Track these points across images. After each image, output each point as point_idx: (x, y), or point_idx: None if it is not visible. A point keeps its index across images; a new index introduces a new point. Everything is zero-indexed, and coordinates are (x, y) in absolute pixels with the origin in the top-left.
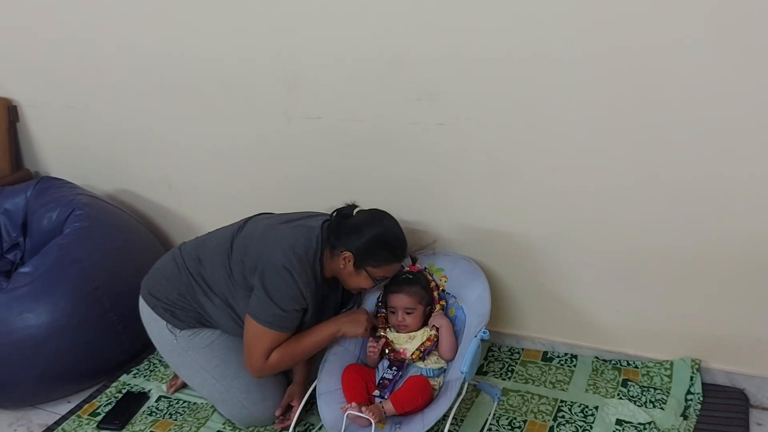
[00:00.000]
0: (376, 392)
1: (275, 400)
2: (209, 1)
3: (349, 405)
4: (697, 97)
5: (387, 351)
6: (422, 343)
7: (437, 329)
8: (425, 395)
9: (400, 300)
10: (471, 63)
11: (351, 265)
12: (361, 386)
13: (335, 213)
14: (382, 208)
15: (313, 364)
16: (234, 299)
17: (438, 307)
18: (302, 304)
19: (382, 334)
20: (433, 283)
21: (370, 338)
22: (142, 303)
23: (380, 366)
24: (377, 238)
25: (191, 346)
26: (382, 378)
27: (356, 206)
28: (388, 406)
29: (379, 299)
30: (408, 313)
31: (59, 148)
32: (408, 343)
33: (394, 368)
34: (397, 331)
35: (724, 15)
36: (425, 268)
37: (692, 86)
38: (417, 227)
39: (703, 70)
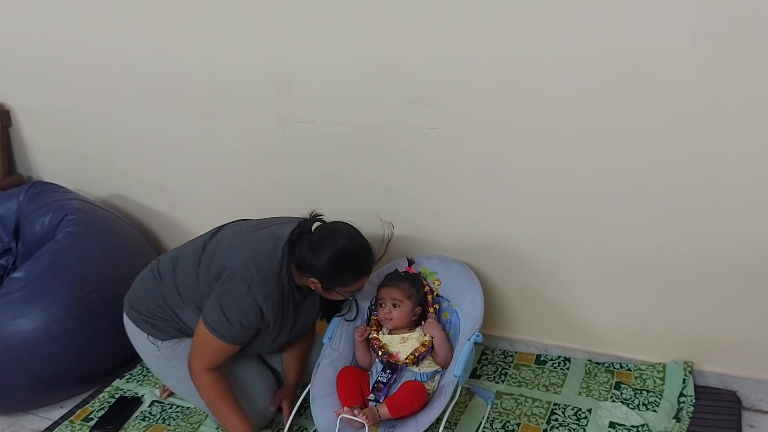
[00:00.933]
0: (371, 396)
1: (264, 405)
2: (202, 7)
3: (342, 409)
4: (688, 100)
5: (380, 353)
6: (416, 348)
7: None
8: (421, 401)
9: (389, 292)
10: (464, 67)
11: (320, 287)
12: (355, 389)
13: (296, 228)
14: (374, 212)
15: (304, 368)
16: (198, 305)
17: (431, 310)
18: (252, 321)
19: (375, 335)
20: (427, 288)
21: (358, 326)
22: (125, 317)
23: (373, 369)
24: (337, 262)
25: (174, 356)
26: (377, 381)
27: (317, 218)
28: (383, 410)
29: (372, 303)
30: (395, 306)
31: (52, 153)
32: (401, 345)
33: (388, 371)
34: (382, 324)
35: (716, 18)
36: (420, 272)
37: (684, 90)
38: (410, 231)
39: (695, 74)
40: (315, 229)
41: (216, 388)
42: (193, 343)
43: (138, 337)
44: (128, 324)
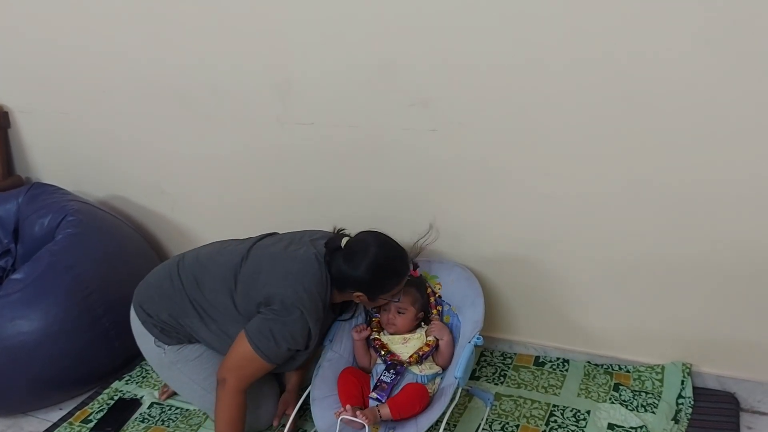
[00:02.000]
0: (374, 394)
1: (267, 407)
2: (202, 9)
3: (342, 409)
4: (688, 103)
5: (383, 353)
6: (420, 348)
7: (437, 338)
8: (423, 404)
9: None
10: (463, 69)
11: (365, 299)
12: (356, 389)
13: (325, 248)
14: (374, 213)
15: (306, 371)
16: (233, 329)
17: (434, 312)
18: (298, 345)
19: (377, 336)
20: (429, 290)
21: (355, 326)
22: (133, 314)
23: (374, 370)
24: (374, 273)
25: (180, 359)
26: (380, 381)
27: (342, 235)
28: (385, 411)
29: None
30: (400, 313)
31: (51, 154)
32: (402, 346)
33: (392, 371)
34: (383, 328)
35: (714, 22)
36: (419, 273)
37: (684, 92)
38: (410, 233)
39: (694, 77)
40: (344, 246)
41: (240, 412)
42: (231, 357)
43: (144, 338)
44: (135, 322)
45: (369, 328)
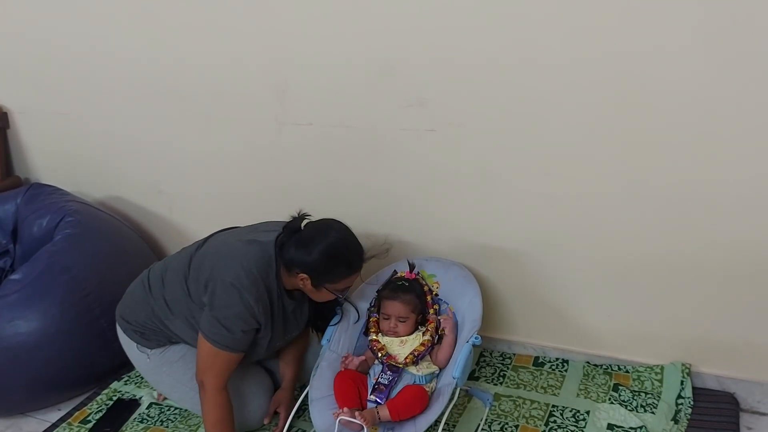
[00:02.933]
0: (372, 397)
1: (257, 404)
2: (200, 9)
3: (341, 410)
4: (686, 102)
5: (380, 355)
6: (415, 348)
7: (432, 336)
8: (422, 405)
9: (395, 308)
10: (461, 69)
11: (309, 284)
12: (353, 391)
13: (284, 230)
14: (372, 213)
15: (301, 368)
16: (194, 318)
17: (432, 311)
18: (250, 324)
19: (374, 338)
20: (426, 287)
21: (343, 356)
22: (117, 327)
23: (371, 372)
24: (327, 256)
25: (164, 362)
26: (378, 383)
27: (305, 217)
28: (384, 413)
29: (372, 304)
30: (401, 321)
31: (50, 155)
32: (399, 347)
33: (389, 372)
34: (384, 333)
35: (712, 21)
36: (418, 273)
37: (681, 92)
38: (408, 233)
39: (692, 76)
40: (304, 227)
41: (225, 411)
42: (199, 359)
43: (129, 347)
44: (119, 334)
45: (353, 359)
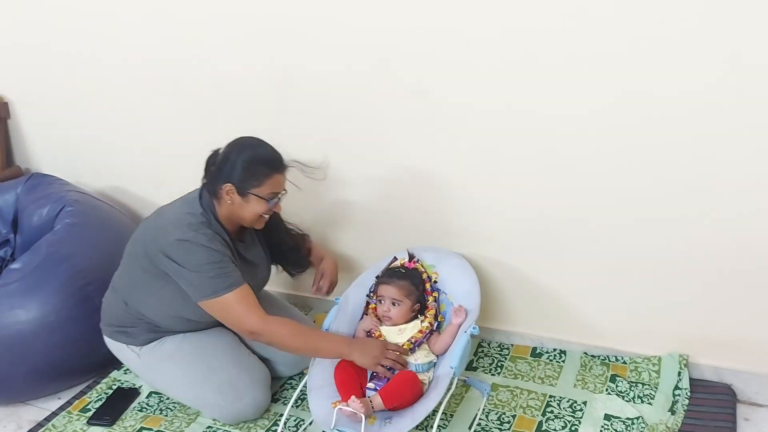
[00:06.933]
0: (371, 384)
1: (253, 396)
2: (202, 2)
3: (339, 400)
4: (686, 99)
5: None
6: (413, 335)
7: (431, 324)
8: (414, 390)
9: (389, 290)
10: (462, 61)
11: (236, 196)
12: (353, 379)
13: (204, 168)
14: (372, 204)
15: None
16: (155, 295)
17: (431, 299)
18: (224, 258)
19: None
20: (425, 274)
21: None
22: (104, 338)
23: None
24: (245, 157)
25: (155, 360)
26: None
27: (219, 149)
28: (377, 401)
29: (370, 292)
30: (394, 304)
31: (50, 146)
32: (398, 336)
33: None
34: (382, 322)
35: (713, 20)
36: (417, 261)
37: (681, 89)
38: (408, 223)
39: (692, 73)
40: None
41: (292, 325)
42: (227, 320)
43: (120, 351)
44: (108, 342)
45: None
